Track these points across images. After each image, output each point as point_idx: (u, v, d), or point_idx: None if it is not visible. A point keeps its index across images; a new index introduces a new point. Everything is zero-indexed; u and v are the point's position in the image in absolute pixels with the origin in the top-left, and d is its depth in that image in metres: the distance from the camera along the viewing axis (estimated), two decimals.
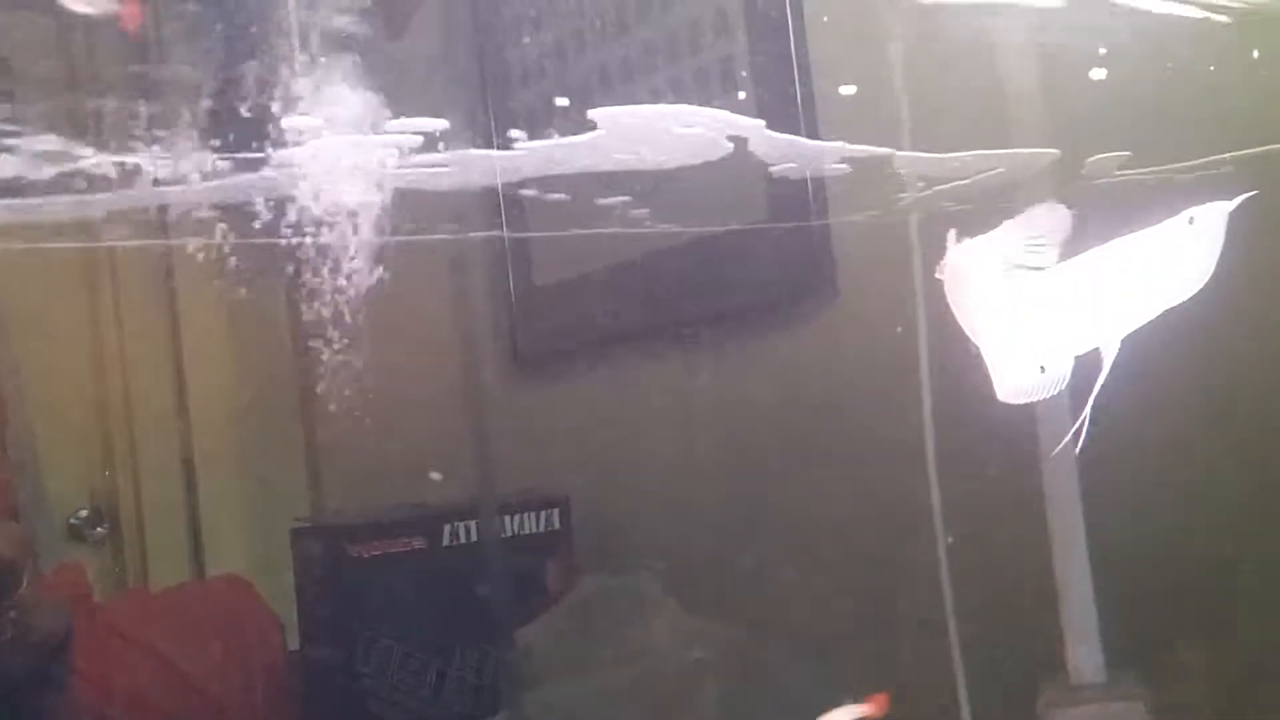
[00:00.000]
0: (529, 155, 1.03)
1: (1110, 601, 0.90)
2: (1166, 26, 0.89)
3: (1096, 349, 0.70)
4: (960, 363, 0.74)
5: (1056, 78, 0.93)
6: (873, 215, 1.09)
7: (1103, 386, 0.69)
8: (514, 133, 1.02)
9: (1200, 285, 0.70)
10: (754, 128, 1.01)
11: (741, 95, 1.19)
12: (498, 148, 1.06)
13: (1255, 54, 0.87)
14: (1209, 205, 0.70)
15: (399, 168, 0.93)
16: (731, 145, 0.97)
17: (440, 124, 0.92)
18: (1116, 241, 0.72)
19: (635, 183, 1.08)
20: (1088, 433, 0.70)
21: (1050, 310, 0.73)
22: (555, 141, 1.01)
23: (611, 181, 1.07)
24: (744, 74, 1.19)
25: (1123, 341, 0.71)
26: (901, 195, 1.03)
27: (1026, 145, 0.93)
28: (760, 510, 1.19)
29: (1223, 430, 0.92)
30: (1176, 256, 0.72)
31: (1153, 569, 0.93)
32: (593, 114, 0.93)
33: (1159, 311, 0.70)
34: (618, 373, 1.34)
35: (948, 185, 0.99)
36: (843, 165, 1.04)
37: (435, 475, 1.20)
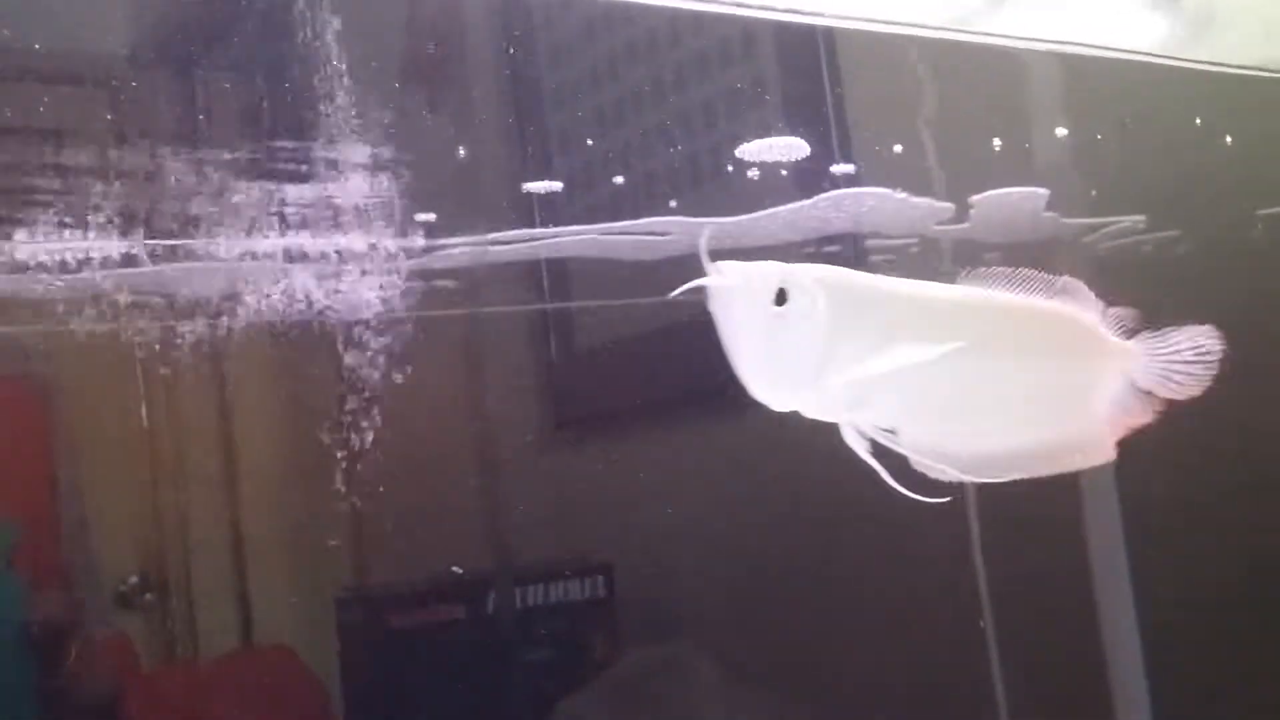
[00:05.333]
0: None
1: (1163, 682, 0.88)
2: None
3: None
4: None
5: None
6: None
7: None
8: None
9: None
10: None
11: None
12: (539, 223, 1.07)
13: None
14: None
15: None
16: None
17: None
18: None
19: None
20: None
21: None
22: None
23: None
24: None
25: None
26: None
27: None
28: (808, 578, 1.18)
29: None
30: None
31: (1207, 648, 0.91)
32: None
33: None
34: (661, 439, 1.34)
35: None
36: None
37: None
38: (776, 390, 0.62)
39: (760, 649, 1.18)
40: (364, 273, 0.99)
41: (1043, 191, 0.93)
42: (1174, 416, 0.66)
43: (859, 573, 1.11)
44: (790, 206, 0.99)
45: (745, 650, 1.18)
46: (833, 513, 1.17)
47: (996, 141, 0.97)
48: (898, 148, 1.04)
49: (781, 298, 0.61)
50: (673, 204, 1.05)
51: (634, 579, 1.28)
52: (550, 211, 1.09)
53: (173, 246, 0.97)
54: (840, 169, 1.00)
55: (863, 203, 0.98)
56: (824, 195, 0.99)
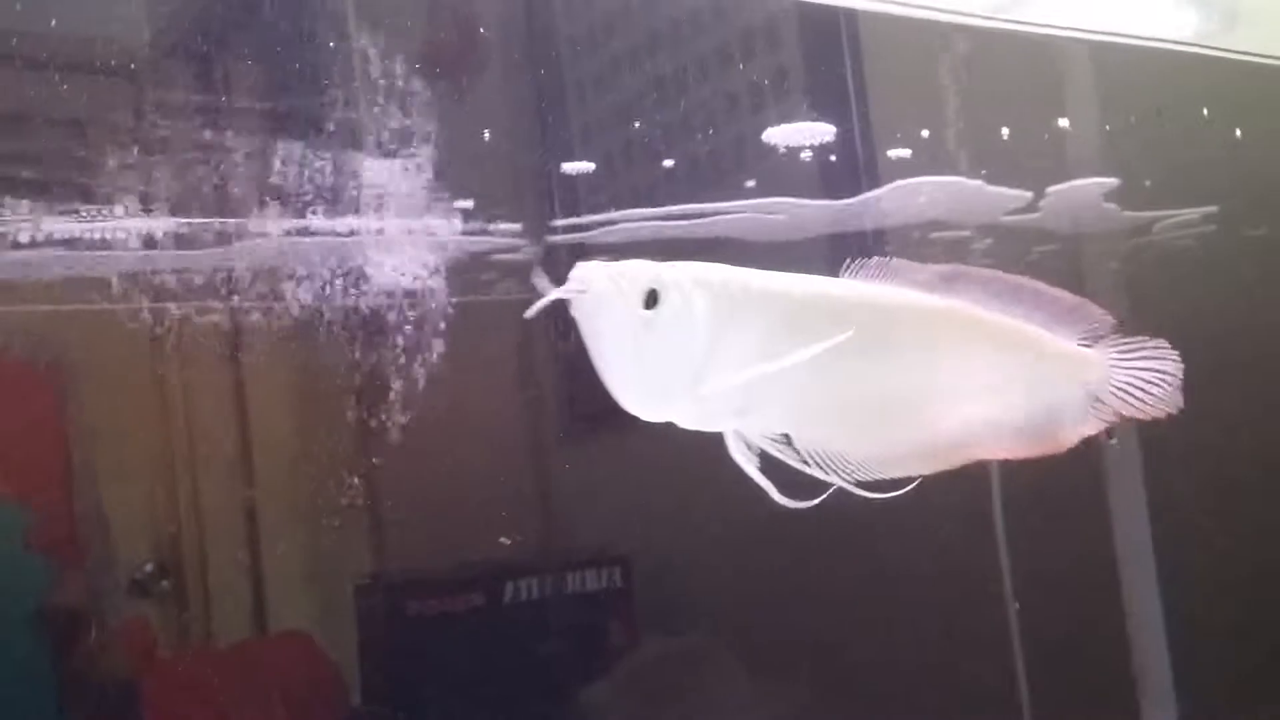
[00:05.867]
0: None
1: (1188, 675, 0.88)
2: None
3: None
4: None
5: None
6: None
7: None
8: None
9: None
10: None
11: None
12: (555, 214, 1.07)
13: None
14: None
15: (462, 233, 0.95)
16: None
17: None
18: None
19: None
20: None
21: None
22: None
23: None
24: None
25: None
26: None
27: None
28: (828, 569, 1.17)
29: None
30: None
31: (1233, 641, 0.90)
32: None
33: None
34: (679, 430, 1.33)
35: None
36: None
37: (504, 539, 1.20)
38: (648, 401, 0.59)
39: (778, 639, 1.18)
40: (386, 259, 0.99)
41: (1112, 181, 0.93)
42: (1202, 410, 0.65)
43: (879, 564, 1.11)
44: (867, 196, 0.98)
45: (763, 641, 1.18)
46: (853, 504, 1.16)
47: (1060, 130, 0.97)
48: (927, 134, 1.04)
49: (651, 300, 0.56)
50: (750, 184, 1.03)
51: (651, 570, 1.27)
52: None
53: (191, 229, 0.97)
54: (897, 154, 1.00)
55: (934, 191, 0.97)
56: (895, 184, 0.98)
